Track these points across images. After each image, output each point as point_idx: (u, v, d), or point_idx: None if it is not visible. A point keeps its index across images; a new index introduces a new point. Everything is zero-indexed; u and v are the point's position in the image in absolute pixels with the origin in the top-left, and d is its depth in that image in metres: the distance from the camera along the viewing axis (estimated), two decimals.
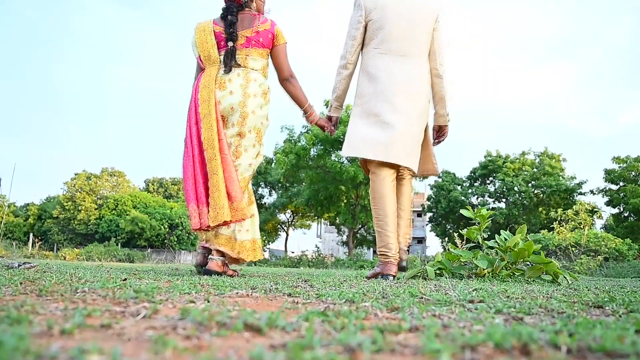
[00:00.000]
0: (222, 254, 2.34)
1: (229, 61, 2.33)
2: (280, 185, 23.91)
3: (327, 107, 18.93)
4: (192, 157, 2.30)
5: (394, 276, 2.34)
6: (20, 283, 1.32)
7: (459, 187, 24.71)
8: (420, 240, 38.84)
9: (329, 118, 2.60)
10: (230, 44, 2.34)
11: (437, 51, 2.48)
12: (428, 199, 25.89)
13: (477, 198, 24.66)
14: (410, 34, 2.40)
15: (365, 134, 2.36)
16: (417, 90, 2.42)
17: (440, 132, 2.65)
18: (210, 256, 2.35)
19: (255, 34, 2.38)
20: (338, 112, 2.57)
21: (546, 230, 13.25)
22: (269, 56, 2.48)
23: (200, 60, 2.42)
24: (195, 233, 2.48)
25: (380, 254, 2.36)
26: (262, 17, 2.44)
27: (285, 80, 2.47)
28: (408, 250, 2.50)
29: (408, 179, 2.59)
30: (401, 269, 2.45)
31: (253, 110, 2.36)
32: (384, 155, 2.33)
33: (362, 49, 2.49)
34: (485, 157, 25.17)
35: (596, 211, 18.72)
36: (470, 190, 24.55)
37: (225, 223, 2.24)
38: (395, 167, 2.44)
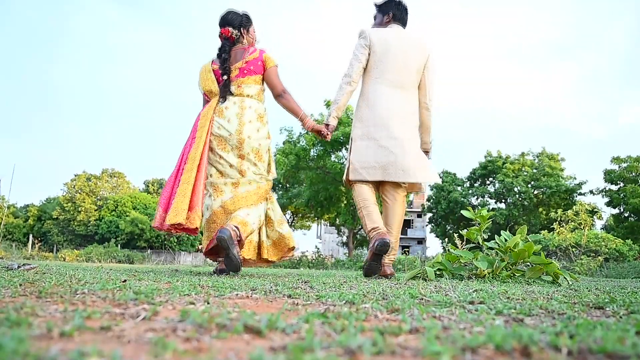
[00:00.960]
0: (237, 231, 2.44)
1: (224, 92, 2.69)
2: (280, 186, 23.92)
3: (327, 107, 19.03)
4: (178, 169, 2.64)
5: (388, 244, 2.46)
6: (20, 284, 1.31)
7: (459, 188, 24.71)
8: (421, 241, 38.84)
9: (327, 125, 2.83)
10: (224, 77, 2.68)
11: (427, 86, 2.84)
12: (428, 200, 25.90)
13: (477, 199, 24.66)
14: (406, 69, 2.75)
15: (365, 159, 2.69)
16: (409, 117, 2.77)
17: None
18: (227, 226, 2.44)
19: (245, 64, 2.70)
20: (335, 121, 2.83)
21: (546, 230, 13.25)
22: (263, 80, 2.78)
23: (206, 95, 2.79)
24: (194, 235, 2.81)
25: (371, 230, 2.56)
26: (251, 48, 2.77)
27: (278, 96, 2.75)
28: (392, 267, 2.74)
29: (402, 196, 2.82)
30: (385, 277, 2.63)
31: (249, 135, 2.67)
32: (382, 175, 2.66)
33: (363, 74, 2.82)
34: (485, 157, 25.18)
35: (596, 212, 18.73)
36: (470, 191, 24.54)
37: (181, 225, 2.50)
38: (375, 183, 2.76)
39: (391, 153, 2.63)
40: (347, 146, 16.14)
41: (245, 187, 2.64)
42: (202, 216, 2.63)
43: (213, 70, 2.74)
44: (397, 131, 2.66)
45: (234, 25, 2.75)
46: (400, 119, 2.70)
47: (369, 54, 2.73)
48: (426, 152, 2.92)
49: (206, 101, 2.78)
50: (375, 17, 2.94)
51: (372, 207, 2.64)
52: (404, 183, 2.76)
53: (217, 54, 2.74)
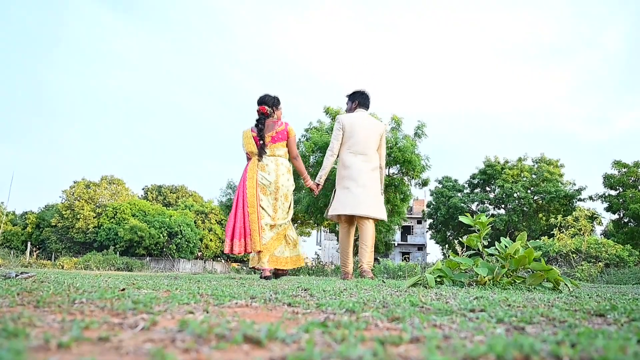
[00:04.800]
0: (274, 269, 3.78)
1: (262, 153, 3.82)
2: None
3: (326, 114, 19.24)
4: (236, 209, 3.74)
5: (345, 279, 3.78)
6: (18, 294, 1.31)
7: (459, 194, 24.69)
8: (421, 247, 38.75)
9: (317, 185, 4.17)
10: (261, 142, 3.82)
11: (381, 154, 4.13)
12: (428, 206, 25.87)
13: (477, 204, 24.63)
14: (368, 142, 4.01)
15: (340, 201, 3.95)
16: (371, 173, 4.01)
17: None
18: (263, 267, 3.70)
19: (276, 133, 3.87)
20: (322, 181, 4.14)
21: (546, 236, 13.22)
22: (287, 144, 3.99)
23: (248, 154, 3.92)
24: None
25: (342, 269, 4.06)
26: (279, 121, 3.93)
27: (293, 159, 4.01)
28: (371, 271, 3.95)
29: (371, 222, 3.98)
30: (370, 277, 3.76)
31: (283, 184, 3.85)
32: (351, 210, 3.88)
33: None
34: (484, 163, 25.19)
35: (596, 217, 18.70)
36: (470, 197, 24.51)
37: (259, 252, 3.66)
38: (353, 223, 4.08)
39: (358, 196, 3.89)
40: None
41: (275, 230, 3.77)
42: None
43: (253, 136, 3.85)
44: (362, 182, 3.92)
45: (269, 105, 3.89)
46: (365, 174, 3.95)
47: (343, 134, 3.99)
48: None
49: (248, 158, 3.91)
50: (346, 103, 4.20)
51: (346, 251, 4.05)
52: (368, 217, 3.92)
53: (255, 124, 3.86)
